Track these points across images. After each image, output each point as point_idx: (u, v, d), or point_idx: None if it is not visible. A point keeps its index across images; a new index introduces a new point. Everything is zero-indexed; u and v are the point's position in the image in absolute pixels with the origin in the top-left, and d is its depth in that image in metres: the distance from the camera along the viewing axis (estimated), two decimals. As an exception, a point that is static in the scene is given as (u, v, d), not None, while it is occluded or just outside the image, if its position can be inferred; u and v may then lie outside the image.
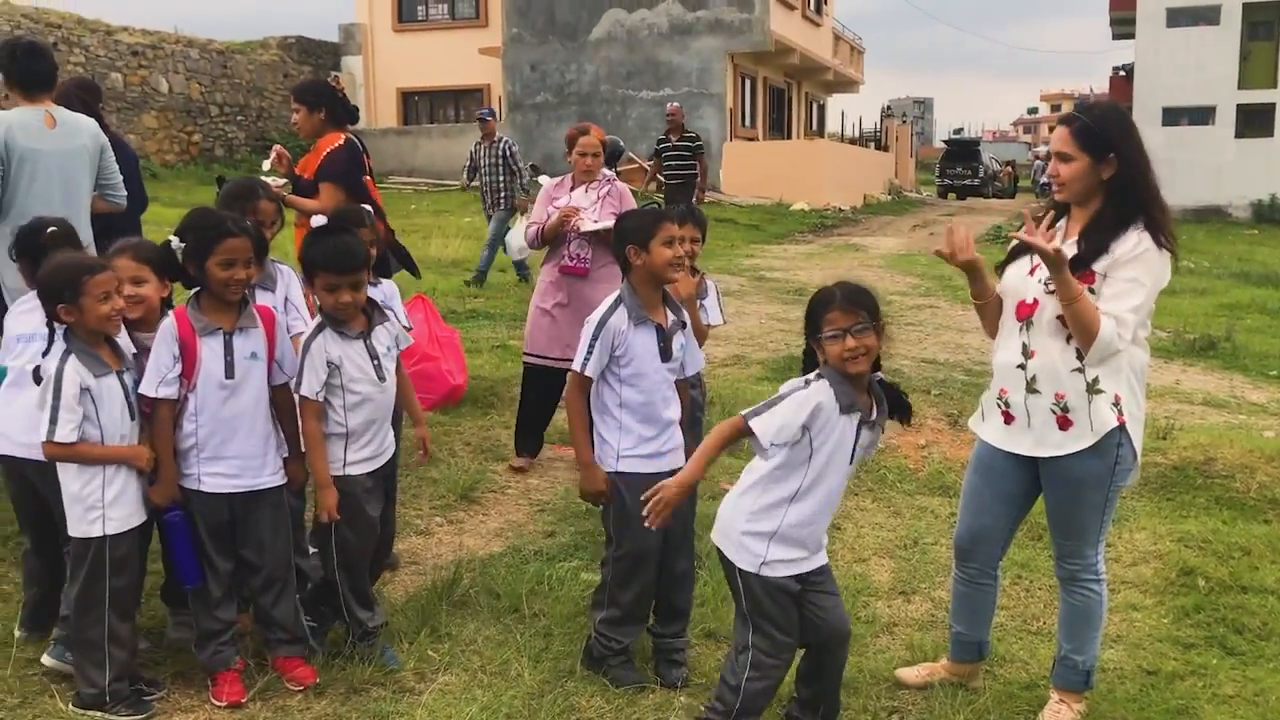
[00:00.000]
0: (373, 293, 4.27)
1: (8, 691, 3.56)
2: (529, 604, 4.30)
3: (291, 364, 3.69)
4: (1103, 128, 3.30)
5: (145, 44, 23.63)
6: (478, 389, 7.13)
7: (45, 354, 3.38)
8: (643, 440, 3.74)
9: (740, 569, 3.26)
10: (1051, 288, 3.27)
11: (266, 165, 5.46)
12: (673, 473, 3.63)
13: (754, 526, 3.23)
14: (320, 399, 3.66)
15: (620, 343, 3.70)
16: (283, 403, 3.69)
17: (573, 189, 5.94)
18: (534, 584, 4.49)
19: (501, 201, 12.34)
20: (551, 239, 5.88)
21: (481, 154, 12.58)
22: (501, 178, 12.38)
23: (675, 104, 14.46)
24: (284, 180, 5.36)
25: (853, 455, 3.20)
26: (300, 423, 3.70)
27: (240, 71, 26.05)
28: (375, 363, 3.74)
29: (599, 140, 5.90)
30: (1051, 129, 3.67)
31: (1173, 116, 31.39)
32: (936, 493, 5.94)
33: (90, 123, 5.21)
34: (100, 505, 3.39)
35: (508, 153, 12.40)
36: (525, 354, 6.08)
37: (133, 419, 3.46)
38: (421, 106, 30.76)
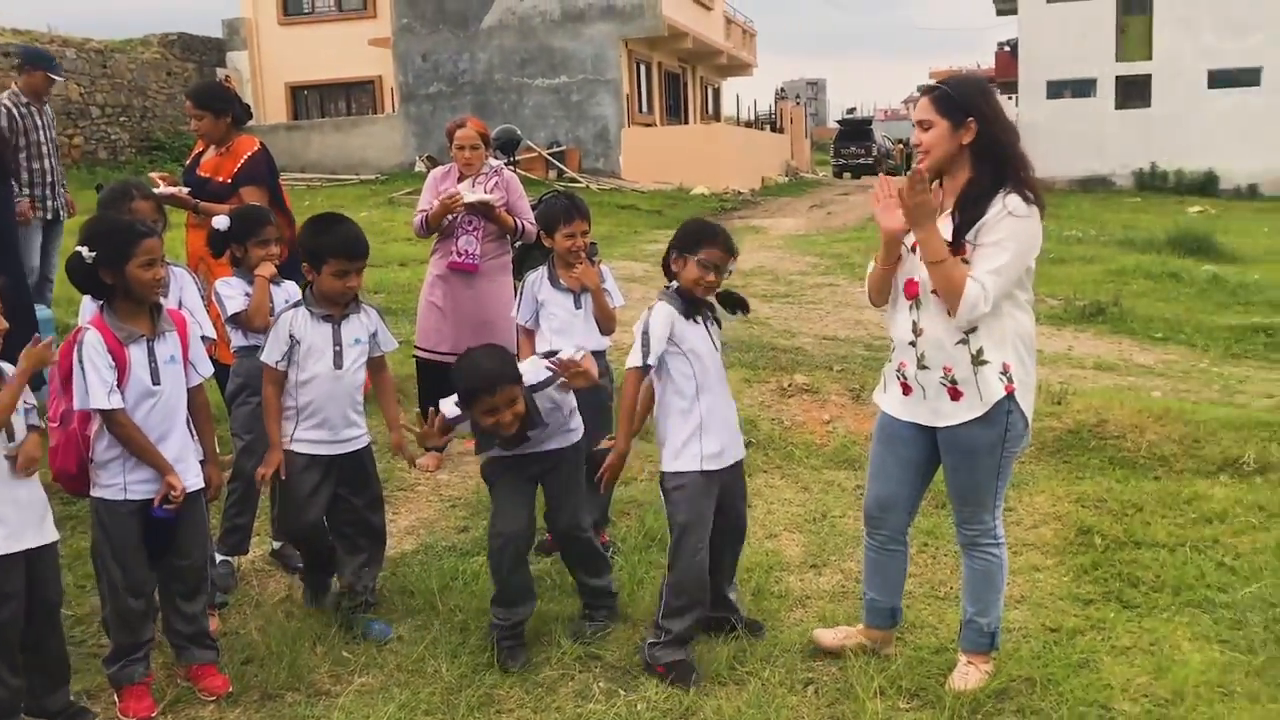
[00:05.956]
0: (276, 293, 4.31)
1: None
2: (444, 600, 4.28)
3: (205, 366, 3.68)
4: (959, 93, 3.41)
5: (16, 44, 22.73)
6: (382, 386, 7.03)
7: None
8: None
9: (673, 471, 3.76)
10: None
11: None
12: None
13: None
14: (279, 368, 3.91)
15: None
16: (198, 404, 3.66)
17: (459, 181, 5.85)
18: (448, 580, 4.47)
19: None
20: (437, 226, 5.81)
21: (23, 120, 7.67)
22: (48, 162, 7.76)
23: None
24: (172, 190, 5.27)
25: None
26: (262, 390, 3.98)
27: (121, 71, 25.20)
28: (336, 349, 3.90)
29: (476, 132, 5.79)
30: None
31: (1056, 89, 32.16)
32: (842, 466, 6.04)
33: None
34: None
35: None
36: (417, 348, 6.03)
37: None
38: (311, 100, 30.08)
